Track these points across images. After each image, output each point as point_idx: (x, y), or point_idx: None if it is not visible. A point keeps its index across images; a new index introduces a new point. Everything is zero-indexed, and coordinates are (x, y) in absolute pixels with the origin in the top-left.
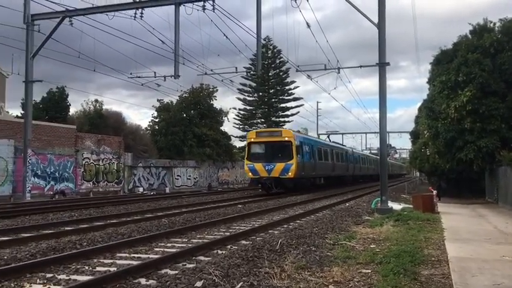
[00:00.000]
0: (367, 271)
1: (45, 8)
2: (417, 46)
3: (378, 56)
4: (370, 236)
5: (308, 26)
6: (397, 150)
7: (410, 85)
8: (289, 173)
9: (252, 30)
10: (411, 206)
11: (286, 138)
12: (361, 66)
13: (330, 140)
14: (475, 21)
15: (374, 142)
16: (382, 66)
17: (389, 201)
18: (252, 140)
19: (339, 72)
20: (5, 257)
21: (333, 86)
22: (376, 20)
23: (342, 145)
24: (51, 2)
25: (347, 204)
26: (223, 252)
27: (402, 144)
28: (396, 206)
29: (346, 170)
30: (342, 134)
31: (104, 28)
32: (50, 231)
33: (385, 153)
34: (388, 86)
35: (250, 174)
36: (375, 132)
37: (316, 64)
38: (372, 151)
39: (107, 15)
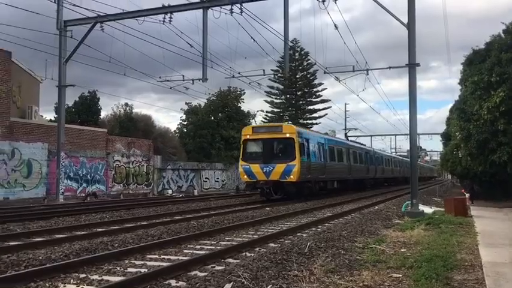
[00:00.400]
0: (398, 275)
1: (77, 14)
2: (448, 46)
3: (408, 56)
4: (401, 240)
5: (336, 27)
6: (428, 153)
7: (440, 86)
8: (291, 176)
9: (279, 33)
10: (443, 209)
11: (288, 135)
12: (390, 68)
13: (347, 139)
14: (508, 20)
15: (404, 144)
16: (412, 67)
17: (420, 205)
18: (248, 136)
19: (367, 74)
20: (40, 257)
21: (362, 88)
22: (405, 20)
23: (362, 144)
24: (83, 8)
25: (376, 208)
26: (252, 254)
27: (433, 146)
28: (427, 210)
29: (366, 172)
30: (371, 136)
31: (133, 33)
32: (83, 233)
33: (416, 156)
34: (418, 87)
35: (245, 177)
36: (405, 134)
37: (344, 66)
38: (401, 153)
39: (136, 20)
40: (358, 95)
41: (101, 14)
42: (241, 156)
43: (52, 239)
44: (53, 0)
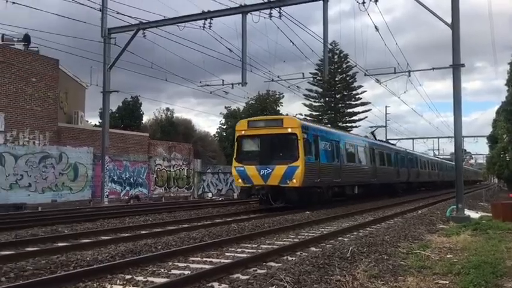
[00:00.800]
0: (445, 282)
1: (121, 22)
2: (494, 46)
3: (452, 57)
4: (446, 246)
5: (376, 29)
6: (473, 156)
7: (486, 87)
8: (294, 180)
9: (318, 35)
10: (490, 214)
11: (290, 130)
12: (433, 69)
13: (374, 138)
14: None
15: (447, 147)
16: (456, 68)
17: (465, 209)
18: (243, 132)
19: (409, 76)
20: (88, 258)
21: (403, 90)
22: (449, 20)
23: (391, 144)
24: (127, 15)
25: (419, 212)
26: (293, 258)
27: (478, 149)
28: (473, 215)
29: (397, 175)
30: (412, 138)
31: (174, 39)
32: (127, 235)
33: (461, 159)
34: (463, 88)
35: (239, 181)
36: (448, 137)
37: (385, 68)
38: (445, 156)
39: (177, 26)
40: (399, 97)
41: (143, 21)
42: (234, 156)
43: (98, 241)
44: (98, 9)
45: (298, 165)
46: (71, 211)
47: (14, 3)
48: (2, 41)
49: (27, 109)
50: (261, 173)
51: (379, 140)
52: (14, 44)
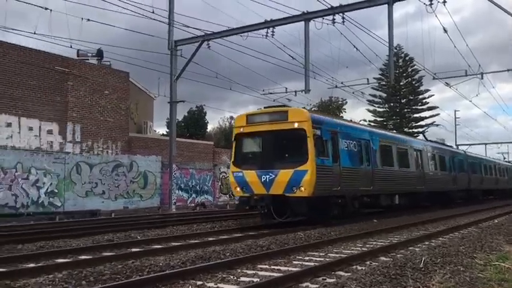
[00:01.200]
0: None
1: (186, 33)
2: None
3: None
4: None
5: (445, 30)
6: None
7: None
8: (302, 188)
9: (383, 39)
10: None
11: (296, 124)
12: (508, 70)
13: (426, 139)
14: None
15: None
16: None
17: None
18: (242, 129)
19: (481, 78)
20: (160, 264)
21: (475, 93)
22: None
23: (447, 146)
24: (192, 27)
25: (496, 221)
26: (363, 268)
27: None
28: None
29: (453, 182)
30: (485, 144)
31: (237, 48)
32: (196, 241)
33: None
34: None
35: (237, 190)
36: None
37: (455, 70)
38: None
39: (241, 36)
40: (470, 101)
41: (208, 32)
42: (232, 159)
43: (169, 247)
44: (166, 22)
45: (307, 169)
46: (141, 217)
47: (88, 20)
48: (78, 56)
49: (101, 120)
50: (262, 180)
51: (430, 140)
52: (88, 59)
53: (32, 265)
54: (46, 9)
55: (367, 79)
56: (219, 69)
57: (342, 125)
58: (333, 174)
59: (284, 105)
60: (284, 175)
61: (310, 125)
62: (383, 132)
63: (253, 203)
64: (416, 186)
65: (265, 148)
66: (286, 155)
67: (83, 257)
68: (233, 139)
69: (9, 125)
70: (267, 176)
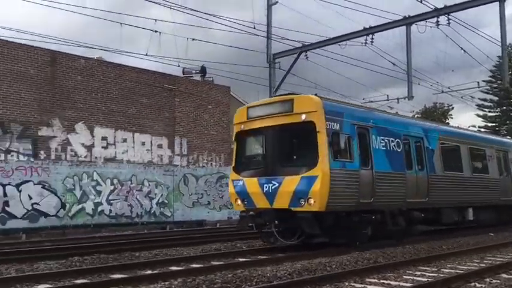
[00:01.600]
0: None
1: (283, 46)
2: None
3: None
4: None
5: None
6: None
7: None
8: (310, 200)
9: (495, 39)
10: None
11: (304, 116)
12: None
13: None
14: None
15: None
16: None
17: None
18: (242, 127)
19: None
20: (267, 275)
21: None
22: None
23: None
24: (290, 39)
25: None
26: (483, 286)
27: None
28: None
29: None
30: None
31: (335, 57)
32: (301, 253)
33: None
34: None
35: (238, 203)
36: None
37: None
38: None
39: (339, 45)
40: None
41: (306, 43)
42: (232, 163)
43: (275, 257)
44: (265, 36)
45: (317, 174)
46: (245, 228)
47: (194, 39)
48: (183, 74)
49: (205, 134)
50: (265, 190)
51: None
52: (192, 76)
53: (149, 272)
54: (155, 31)
55: (478, 82)
56: (317, 79)
57: (377, 118)
58: (360, 181)
59: (293, 93)
60: (289, 183)
61: (323, 117)
62: (445, 127)
63: (251, 220)
64: (500, 197)
65: (268, 149)
66: (293, 157)
67: (194, 265)
68: (233, 139)
69: (124, 140)
70: (270, 185)
